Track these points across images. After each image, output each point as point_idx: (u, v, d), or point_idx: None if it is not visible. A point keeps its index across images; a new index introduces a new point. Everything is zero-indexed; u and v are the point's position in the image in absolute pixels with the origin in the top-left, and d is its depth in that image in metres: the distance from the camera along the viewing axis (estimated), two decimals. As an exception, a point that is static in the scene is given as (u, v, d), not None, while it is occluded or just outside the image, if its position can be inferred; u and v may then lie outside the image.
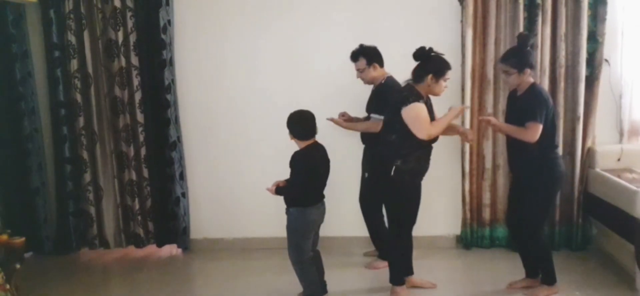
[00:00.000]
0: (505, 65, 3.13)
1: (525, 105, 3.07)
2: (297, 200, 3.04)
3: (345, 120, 3.64)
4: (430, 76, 2.98)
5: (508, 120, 3.25)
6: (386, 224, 3.74)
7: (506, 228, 3.81)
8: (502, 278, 3.47)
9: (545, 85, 3.72)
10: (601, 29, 3.69)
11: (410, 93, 2.98)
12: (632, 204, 3.13)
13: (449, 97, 3.81)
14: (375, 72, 3.53)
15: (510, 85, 3.19)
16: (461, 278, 3.74)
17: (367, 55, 3.51)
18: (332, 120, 3.56)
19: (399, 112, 2.95)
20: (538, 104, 3.01)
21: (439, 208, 3.99)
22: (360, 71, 3.55)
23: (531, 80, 3.13)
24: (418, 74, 3.02)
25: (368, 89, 3.65)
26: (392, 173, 2.99)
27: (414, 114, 2.92)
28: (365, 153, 3.73)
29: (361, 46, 3.54)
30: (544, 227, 3.39)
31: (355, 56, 3.55)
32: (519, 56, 3.10)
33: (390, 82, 3.51)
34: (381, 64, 3.56)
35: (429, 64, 3.00)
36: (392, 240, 3.25)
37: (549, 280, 3.22)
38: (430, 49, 3.02)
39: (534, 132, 3.00)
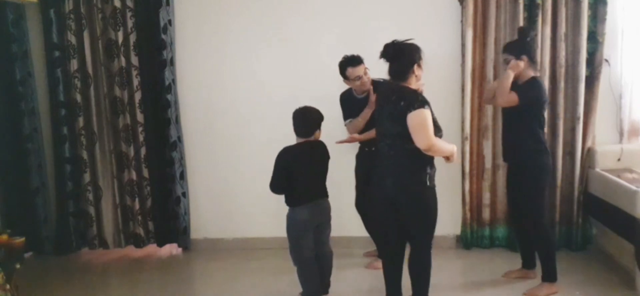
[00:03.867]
0: (505, 54, 3.25)
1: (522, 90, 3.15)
2: (288, 200, 3.07)
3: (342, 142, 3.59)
4: (415, 66, 2.72)
5: (505, 113, 3.36)
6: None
7: (510, 223, 3.82)
8: (501, 278, 3.47)
9: (545, 85, 3.71)
10: (601, 29, 3.69)
11: (415, 98, 2.67)
12: (632, 204, 3.13)
13: (449, 97, 3.84)
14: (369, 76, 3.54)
15: (513, 73, 3.17)
16: (461, 278, 3.74)
17: (363, 62, 3.49)
18: (342, 142, 3.52)
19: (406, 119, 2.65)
20: (532, 89, 3.14)
21: (439, 208, 3.96)
22: (360, 77, 3.45)
23: (532, 73, 3.20)
24: (402, 71, 2.71)
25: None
26: (428, 182, 2.75)
27: (419, 121, 2.61)
28: (362, 154, 3.72)
29: (351, 56, 3.46)
30: (545, 218, 3.36)
31: (357, 61, 3.44)
32: (516, 44, 3.26)
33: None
34: None
35: (410, 54, 2.72)
36: (427, 254, 2.89)
37: (551, 277, 3.23)
38: (399, 41, 2.75)
39: (512, 97, 3.11)
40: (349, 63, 3.45)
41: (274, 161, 3.06)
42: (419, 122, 2.62)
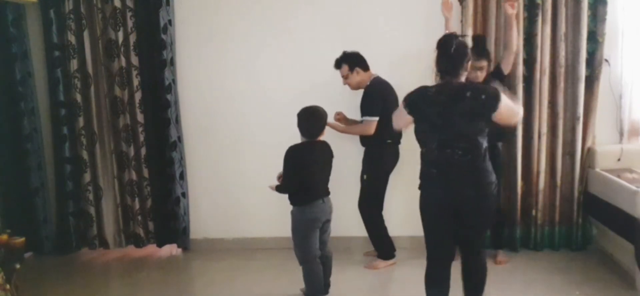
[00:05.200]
0: (480, 61, 3.42)
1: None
2: (296, 198, 3.04)
3: (340, 121, 3.69)
4: (469, 63, 2.59)
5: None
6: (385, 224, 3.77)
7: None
8: (499, 278, 3.47)
9: (545, 85, 3.73)
10: (601, 29, 3.68)
11: (490, 88, 2.52)
12: (632, 204, 3.13)
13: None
14: (358, 77, 3.59)
15: (479, 79, 3.46)
16: (458, 278, 3.70)
17: (348, 61, 3.56)
18: (328, 124, 3.56)
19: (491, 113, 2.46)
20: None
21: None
22: (344, 78, 3.61)
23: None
24: (460, 66, 2.53)
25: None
26: (496, 180, 2.59)
27: (508, 104, 2.48)
28: (365, 156, 3.74)
29: (343, 53, 3.58)
30: None
31: (338, 63, 3.60)
32: (484, 50, 3.53)
33: (375, 82, 3.59)
34: (364, 68, 3.60)
35: (466, 49, 2.57)
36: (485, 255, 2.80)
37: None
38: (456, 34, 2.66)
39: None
40: None
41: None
42: (509, 106, 2.49)
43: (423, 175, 2.61)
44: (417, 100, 2.56)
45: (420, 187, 2.63)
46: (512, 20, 3.41)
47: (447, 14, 3.51)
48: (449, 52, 2.49)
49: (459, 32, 3.74)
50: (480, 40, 3.58)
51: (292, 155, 3.01)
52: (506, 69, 3.50)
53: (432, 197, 2.58)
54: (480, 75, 3.52)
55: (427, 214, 2.62)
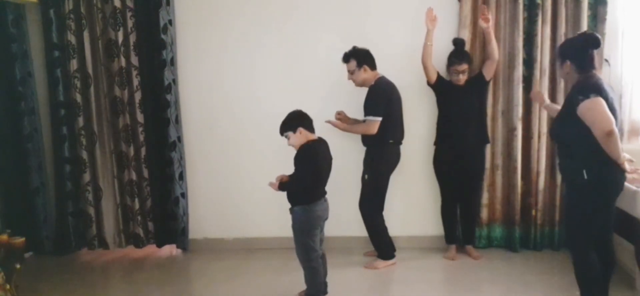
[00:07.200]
0: (463, 64, 3.60)
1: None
2: (301, 197, 2.98)
3: (342, 120, 3.68)
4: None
5: (473, 100, 3.72)
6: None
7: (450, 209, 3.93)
8: (499, 278, 3.48)
9: (545, 85, 3.74)
10: (601, 29, 3.68)
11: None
12: (632, 204, 3.13)
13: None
14: (365, 74, 3.57)
15: (461, 82, 3.64)
16: (459, 278, 3.72)
17: (357, 57, 3.55)
18: (330, 122, 3.57)
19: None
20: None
21: (435, 208, 3.98)
22: (350, 73, 3.60)
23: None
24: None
25: (364, 92, 3.65)
26: None
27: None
28: (366, 155, 3.74)
29: (353, 48, 3.58)
30: None
31: (346, 57, 3.60)
32: (465, 54, 3.68)
33: (380, 82, 3.57)
34: (372, 67, 3.59)
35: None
36: None
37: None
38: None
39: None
40: None
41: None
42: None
43: (607, 170, 2.60)
44: (605, 92, 2.52)
45: (602, 178, 2.61)
46: (489, 34, 3.53)
47: (430, 26, 3.56)
48: (597, 48, 2.58)
49: (455, 35, 3.77)
50: (460, 44, 3.66)
51: (311, 152, 2.94)
52: (488, 76, 3.65)
53: (620, 186, 2.69)
54: (462, 78, 3.62)
55: (612, 203, 2.73)
